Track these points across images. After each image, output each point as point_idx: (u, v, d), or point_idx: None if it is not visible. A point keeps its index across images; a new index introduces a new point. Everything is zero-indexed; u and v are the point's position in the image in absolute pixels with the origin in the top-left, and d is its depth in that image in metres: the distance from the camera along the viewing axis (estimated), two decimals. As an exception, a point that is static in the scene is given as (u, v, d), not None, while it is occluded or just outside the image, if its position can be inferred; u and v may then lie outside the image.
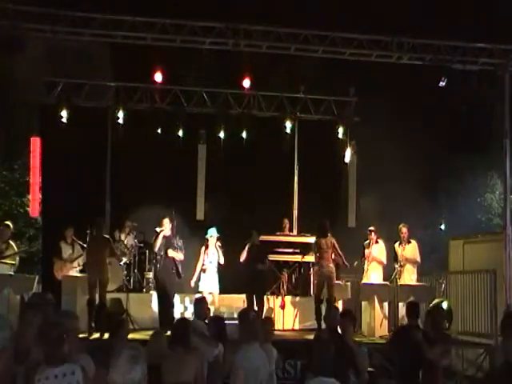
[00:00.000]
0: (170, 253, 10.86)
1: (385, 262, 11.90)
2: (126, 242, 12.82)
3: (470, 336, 11.33)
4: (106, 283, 10.80)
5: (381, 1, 12.85)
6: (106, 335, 6.36)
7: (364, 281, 11.91)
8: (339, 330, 7.15)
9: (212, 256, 11.55)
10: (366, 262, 11.86)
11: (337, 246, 11.26)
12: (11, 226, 11.25)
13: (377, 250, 11.87)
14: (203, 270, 11.52)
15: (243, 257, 11.58)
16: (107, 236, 11.32)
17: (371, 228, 11.99)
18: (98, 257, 10.80)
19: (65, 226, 12.34)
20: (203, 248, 11.62)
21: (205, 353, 6.17)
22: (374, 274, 11.90)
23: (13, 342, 4.89)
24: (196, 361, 5.65)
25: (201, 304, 7.75)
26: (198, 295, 11.26)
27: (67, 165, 13.21)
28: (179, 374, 5.55)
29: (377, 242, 11.87)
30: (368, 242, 11.90)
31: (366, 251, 11.86)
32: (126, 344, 4.98)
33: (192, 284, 11.51)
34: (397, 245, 11.70)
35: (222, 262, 11.55)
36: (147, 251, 12.80)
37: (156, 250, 11.00)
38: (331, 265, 11.19)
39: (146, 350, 5.51)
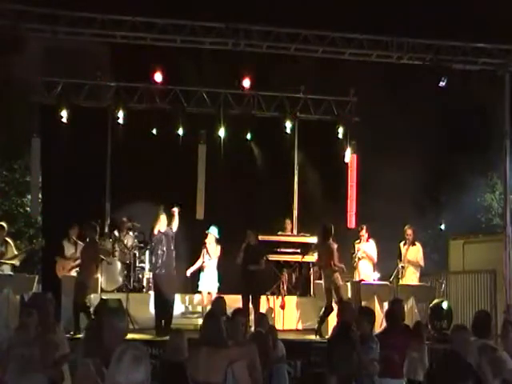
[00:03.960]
0: None
1: (375, 260, 11.96)
2: (125, 241, 12.80)
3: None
4: (89, 286, 10.89)
5: (381, 1, 12.86)
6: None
7: (361, 277, 11.95)
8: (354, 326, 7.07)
9: (212, 254, 11.61)
10: (356, 258, 11.94)
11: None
12: (5, 226, 11.19)
13: (371, 248, 11.96)
14: (202, 268, 11.56)
15: (240, 258, 11.47)
16: (95, 239, 11.32)
17: (363, 226, 12.14)
18: (85, 261, 10.90)
19: (69, 224, 12.33)
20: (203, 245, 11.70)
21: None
22: (366, 270, 11.94)
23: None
24: (225, 361, 5.45)
25: (219, 303, 7.76)
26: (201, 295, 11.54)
27: (67, 165, 13.20)
28: (208, 374, 5.41)
29: (368, 240, 11.96)
30: (359, 240, 12.02)
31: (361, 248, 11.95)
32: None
33: (188, 274, 11.61)
34: (402, 244, 11.74)
35: (217, 253, 11.66)
36: (147, 251, 12.78)
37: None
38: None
39: (167, 347, 5.53)
